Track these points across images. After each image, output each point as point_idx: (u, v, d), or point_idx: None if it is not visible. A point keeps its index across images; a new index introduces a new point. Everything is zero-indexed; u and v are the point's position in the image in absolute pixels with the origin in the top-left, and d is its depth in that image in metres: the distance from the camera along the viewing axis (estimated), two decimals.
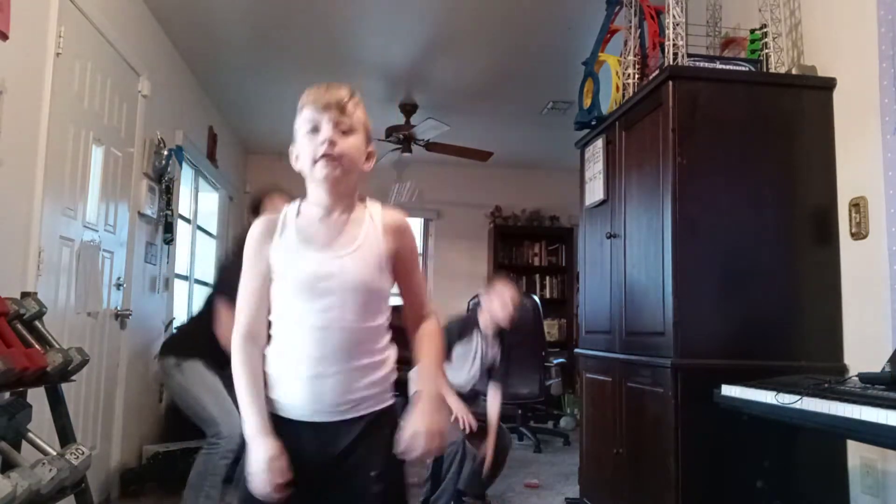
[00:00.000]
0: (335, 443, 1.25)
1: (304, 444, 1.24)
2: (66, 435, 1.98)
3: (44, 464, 1.70)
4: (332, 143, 1.25)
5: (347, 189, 1.30)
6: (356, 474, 1.26)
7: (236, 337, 1.29)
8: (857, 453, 2.09)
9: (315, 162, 1.26)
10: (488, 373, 3.10)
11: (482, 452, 2.99)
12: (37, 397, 1.98)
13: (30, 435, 1.88)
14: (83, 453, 1.87)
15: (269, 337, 1.31)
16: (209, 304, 2.78)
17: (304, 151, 1.28)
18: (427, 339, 1.36)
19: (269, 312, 1.30)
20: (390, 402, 1.32)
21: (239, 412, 1.28)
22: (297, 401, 1.26)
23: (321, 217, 1.30)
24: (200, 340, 2.65)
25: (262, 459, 1.20)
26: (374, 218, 1.31)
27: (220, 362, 2.56)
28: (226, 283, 2.49)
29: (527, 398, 4.77)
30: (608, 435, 2.65)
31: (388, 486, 1.27)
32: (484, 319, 3.05)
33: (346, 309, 1.25)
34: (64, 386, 2.03)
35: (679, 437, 2.07)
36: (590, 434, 2.93)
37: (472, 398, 3.10)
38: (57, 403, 2.00)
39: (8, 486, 1.52)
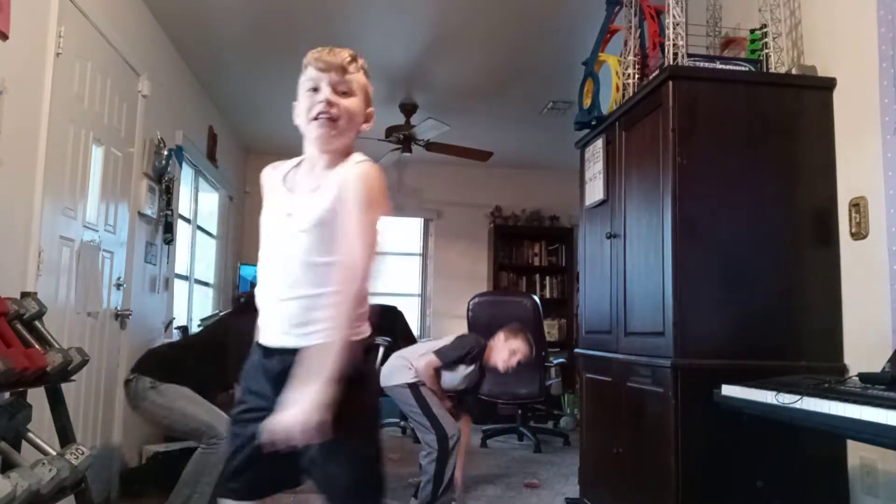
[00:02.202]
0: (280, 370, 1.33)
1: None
2: (66, 435, 1.98)
3: (44, 464, 1.70)
4: (329, 104, 1.34)
5: (340, 147, 1.38)
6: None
7: None
8: (857, 453, 2.09)
9: (312, 120, 1.35)
10: (463, 394, 3.22)
11: (456, 472, 3.08)
12: (37, 397, 1.98)
13: (30, 435, 1.88)
14: (83, 453, 1.87)
15: None
16: (205, 336, 3.01)
17: (302, 108, 1.37)
18: (333, 302, 1.29)
19: None
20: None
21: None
22: (268, 324, 1.39)
23: (306, 169, 1.41)
24: (187, 369, 2.73)
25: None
26: (344, 168, 1.37)
27: (205, 392, 2.72)
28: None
29: (527, 398, 4.76)
30: (608, 435, 2.64)
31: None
32: (489, 357, 3.11)
33: (302, 243, 1.33)
34: (64, 386, 2.03)
35: (679, 437, 2.07)
36: (590, 434, 2.93)
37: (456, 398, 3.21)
38: (57, 403, 2.00)
39: (8, 486, 1.52)
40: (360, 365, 1.34)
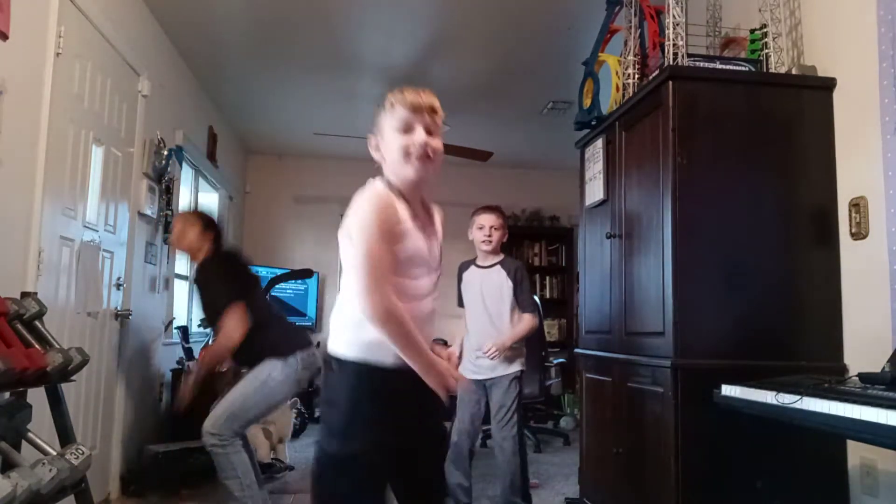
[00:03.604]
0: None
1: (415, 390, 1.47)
2: (66, 435, 1.98)
3: (44, 464, 1.70)
4: (427, 146, 1.44)
5: (429, 184, 1.52)
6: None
7: (391, 300, 1.40)
8: (857, 453, 2.09)
9: (410, 160, 1.44)
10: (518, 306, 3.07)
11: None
12: (37, 397, 1.98)
13: (30, 435, 1.88)
14: (83, 453, 1.87)
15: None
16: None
17: (394, 147, 1.45)
18: None
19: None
20: None
21: None
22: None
23: (412, 206, 1.49)
24: None
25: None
26: (434, 209, 1.61)
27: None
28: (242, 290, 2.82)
29: (527, 398, 4.73)
30: (608, 435, 2.65)
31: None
32: (477, 256, 3.18)
33: (436, 280, 1.54)
34: (64, 386, 2.03)
35: (679, 437, 2.07)
36: (590, 434, 2.93)
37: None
38: (57, 403, 2.00)
39: (8, 486, 1.51)
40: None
